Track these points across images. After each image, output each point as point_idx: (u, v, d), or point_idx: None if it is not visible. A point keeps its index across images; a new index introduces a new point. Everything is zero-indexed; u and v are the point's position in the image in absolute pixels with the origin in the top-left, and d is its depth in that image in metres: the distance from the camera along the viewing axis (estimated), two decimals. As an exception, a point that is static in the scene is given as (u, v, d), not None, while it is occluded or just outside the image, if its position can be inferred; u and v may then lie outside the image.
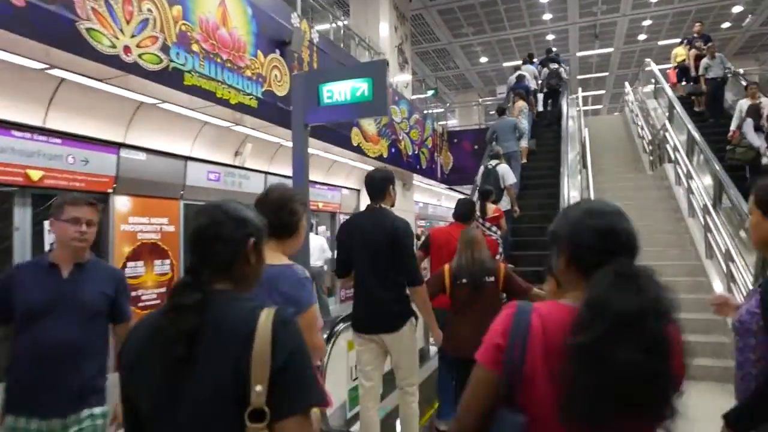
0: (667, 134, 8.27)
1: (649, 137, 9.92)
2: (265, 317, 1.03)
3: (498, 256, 5.36)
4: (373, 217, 3.10)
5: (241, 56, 6.05)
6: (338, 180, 10.44)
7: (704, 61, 9.77)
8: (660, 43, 16.65)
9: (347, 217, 3.73)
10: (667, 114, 10.14)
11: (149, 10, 4.72)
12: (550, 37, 16.03)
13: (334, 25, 9.74)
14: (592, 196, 6.80)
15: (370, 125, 9.55)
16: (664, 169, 8.23)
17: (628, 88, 13.45)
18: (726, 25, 15.46)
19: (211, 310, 1.06)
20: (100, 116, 5.38)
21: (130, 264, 5.80)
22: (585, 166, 8.20)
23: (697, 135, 7.82)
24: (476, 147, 13.75)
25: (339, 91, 3.34)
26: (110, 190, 5.58)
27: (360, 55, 10.46)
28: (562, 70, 11.84)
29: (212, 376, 1.01)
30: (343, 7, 12.48)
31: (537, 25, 15.14)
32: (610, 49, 17.35)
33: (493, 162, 7.09)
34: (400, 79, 12.32)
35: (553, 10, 14.21)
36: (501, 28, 15.30)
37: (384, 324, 3.04)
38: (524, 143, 9.10)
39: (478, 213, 5.86)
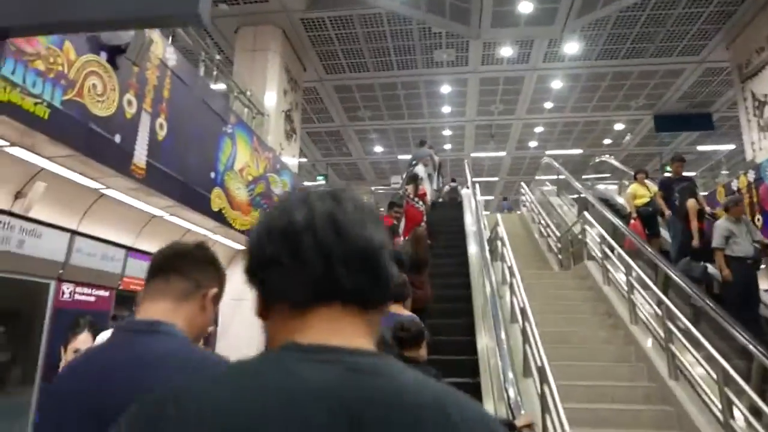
0: (586, 227, 7.25)
1: (558, 234, 8.98)
2: None
3: (423, 223, 7.69)
4: None
5: (29, 38, 3.92)
6: (192, 257, 8.06)
7: (722, 226, 5.69)
8: (548, 152, 17.01)
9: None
10: (575, 209, 9.42)
11: None
12: (447, 132, 15.64)
13: (207, 60, 7.94)
14: (518, 293, 5.25)
15: (239, 189, 7.55)
16: (585, 266, 7.09)
17: (525, 187, 12.98)
18: (608, 141, 16.19)
19: None
20: None
21: None
22: (501, 258, 6.80)
23: (619, 223, 6.91)
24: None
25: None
26: None
27: (238, 109, 8.68)
28: (459, 187, 13.69)
29: None
30: (224, 51, 10.77)
31: (435, 117, 14.65)
32: (503, 153, 17.42)
33: (413, 162, 10.63)
34: (287, 149, 10.64)
35: (452, 103, 13.81)
36: (399, 116, 14.58)
37: None
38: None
39: (410, 191, 8.52)
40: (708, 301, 4.73)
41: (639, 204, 7.66)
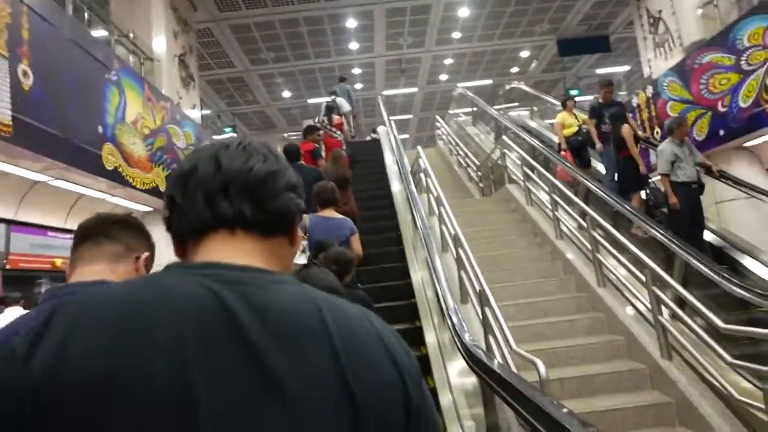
0: (506, 152, 7.27)
1: (477, 163, 9.01)
2: None
3: (342, 149, 7.14)
4: None
5: None
6: (91, 225, 7.24)
7: (667, 149, 5.38)
8: (459, 84, 16.99)
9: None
10: (492, 137, 9.48)
11: None
12: (357, 70, 15.08)
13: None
14: (448, 222, 5.15)
15: (135, 144, 6.77)
16: (507, 190, 7.15)
17: (440, 121, 12.91)
18: (515, 69, 16.39)
19: None
20: None
21: None
22: (427, 190, 6.66)
23: (537, 144, 6.98)
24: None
25: None
26: None
27: (123, 55, 7.68)
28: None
29: None
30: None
31: (343, 55, 14.02)
32: (414, 89, 17.18)
33: (332, 96, 9.67)
34: (186, 99, 9.71)
35: (360, 38, 13.22)
36: (305, 56, 13.80)
37: None
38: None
39: (326, 120, 8.60)
40: (626, 207, 4.90)
41: (568, 134, 7.26)
